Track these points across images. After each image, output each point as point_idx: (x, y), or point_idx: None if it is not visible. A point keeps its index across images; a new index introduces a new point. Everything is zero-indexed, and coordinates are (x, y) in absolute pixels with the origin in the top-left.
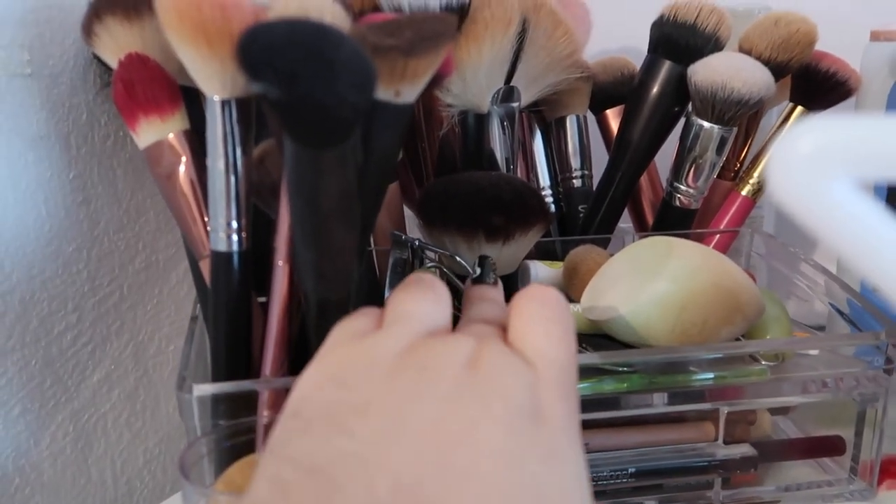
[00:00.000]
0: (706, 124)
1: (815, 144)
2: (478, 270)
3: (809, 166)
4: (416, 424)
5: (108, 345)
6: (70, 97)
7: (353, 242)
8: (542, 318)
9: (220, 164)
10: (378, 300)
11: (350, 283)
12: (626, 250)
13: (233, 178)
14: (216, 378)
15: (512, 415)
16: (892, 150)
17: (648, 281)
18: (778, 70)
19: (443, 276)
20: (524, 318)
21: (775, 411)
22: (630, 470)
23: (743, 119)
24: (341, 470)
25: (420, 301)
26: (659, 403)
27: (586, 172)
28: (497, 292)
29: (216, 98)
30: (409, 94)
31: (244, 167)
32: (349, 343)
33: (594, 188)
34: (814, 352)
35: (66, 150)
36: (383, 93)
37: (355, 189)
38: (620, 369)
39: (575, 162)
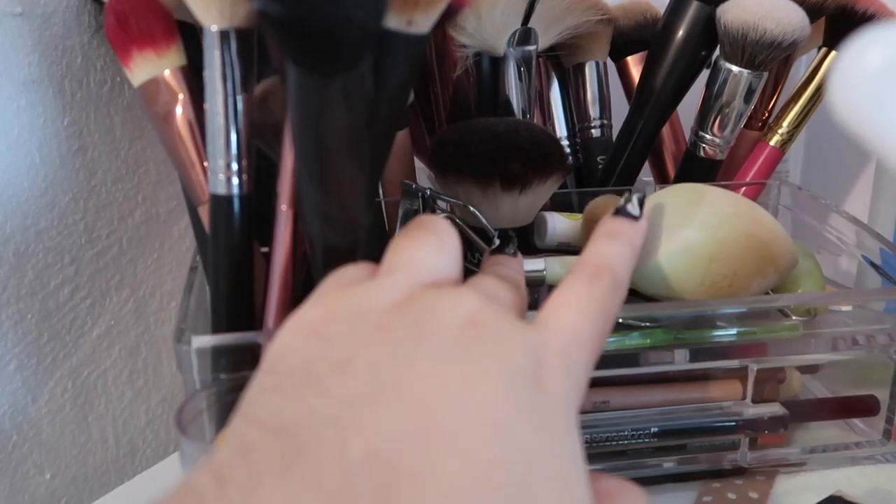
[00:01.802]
0: (735, 69)
1: (887, 56)
2: (496, 242)
3: (881, 81)
4: (400, 384)
5: (107, 299)
6: (63, 39)
7: (361, 183)
8: (583, 293)
9: (219, 101)
10: None
11: (359, 228)
12: (653, 198)
13: (232, 116)
14: (217, 330)
15: (510, 380)
16: None
17: (677, 229)
18: (812, 11)
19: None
20: (571, 286)
21: (804, 370)
22: (653, 429)
23: (774, 63)
24: (310, 431)
25: (420, 247)
26: (683, 360)
27: (605, 122)
28: (516, 262)
29: (214, 28)
30: (422, 23)
31: (245, 105)
32: (337, 293)
33: (613, 139)
34: (847, 307)
35: (59, 96)
36: (395, 21)
37: (364, 125)
38: (643, 324)
39: (594, 111)
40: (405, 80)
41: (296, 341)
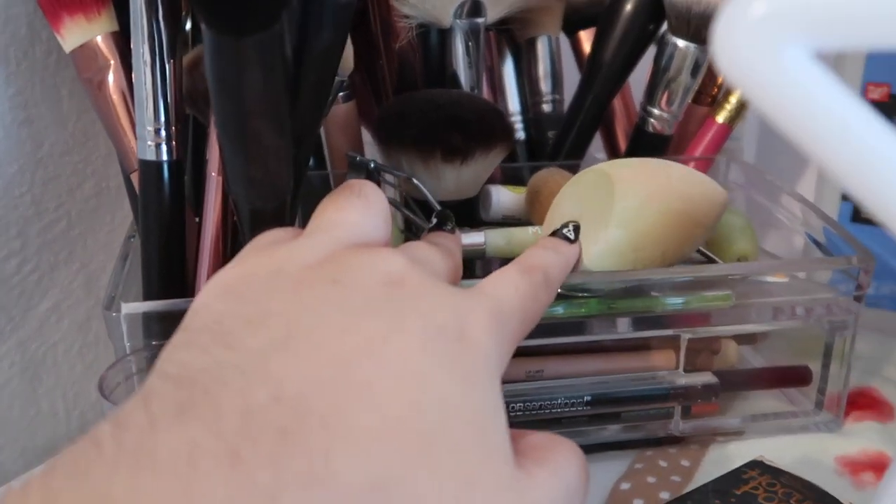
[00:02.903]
0: (681, 43)
1: (770, 5)
2: (434, 221)
3: (760, 30)
4: (314, 335)
5: (56, 273)
6: (7, 8)
7: (284, 147)
8: (517, 270)
9: (147, 67)
10: None
11: (284, 192)
12: (572, 188)
13: (160, 82)
14: (148, 297)
15: (430, 332)
16: (854, 14)
17: (596, 230)
18: None
19: (401, 208)
20: (504, 270)
21: (742, 340)
22: (586, 398)
23: None
24: (215, 378)
25: (345, 209)
26: (617, 329)
27: (557, 97)
28: (454, 238)
29: None
30: None
31: (173, 70)
32: (258, 254)
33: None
34: (783, 279)
35: (4, 65)
36: None
37: (282, 87)
38: (580, 294)
39: (545, 86)
40: (331, 47)
41: (211, 300)
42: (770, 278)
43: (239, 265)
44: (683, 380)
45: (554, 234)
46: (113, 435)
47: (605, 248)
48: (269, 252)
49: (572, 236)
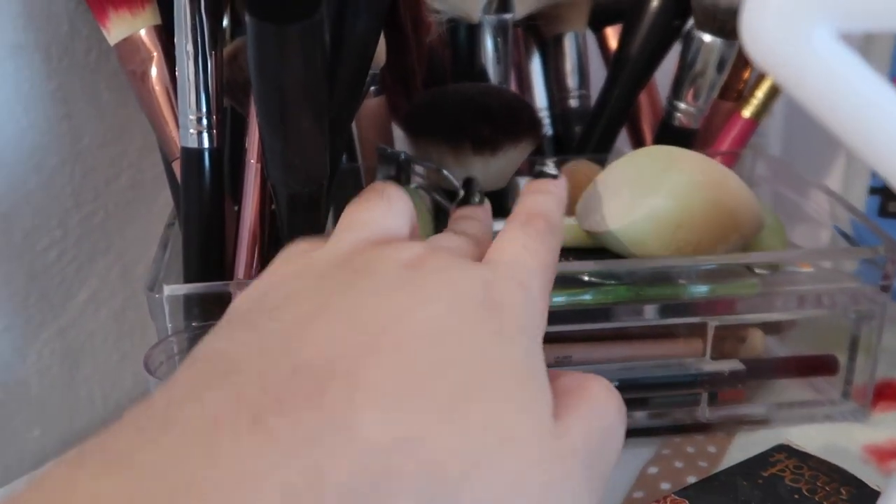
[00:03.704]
0: (707, 37)
1: None
2: (462, 192)
3: (786, 12)
4: (337, 312)
5: (94, 263)
6: (49, 5)
7: (322, 133)
8: (519, 226)
9: (189, 57)
10: None
11: (321, 177)
12: (626, 158)
13: (202, 72)
14: (188, 280)
15: (456, 300)
16: None
17: (645, 195)
18: None
19: (432, 193)
20: (508, 232)
21: (768, 330)
22: (614, 383)
23: None
24: (242, 353)
25: (369, 209)
26: (645, 317)
27: (584, 92)
28: (482, 211)
29: None
30: None
31: (215, 61)
32: (288, 261)
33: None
34: (808, 269)
35: (46, 62)
36: None
37: (322, 75)
38: (608, 282)
39: (572, 81)
40: (366, 35)
41: (240, 301)
42: (797, 268)
43: (269, 273)
44: (710, 366)
45: (536, 176)
46: (164, 403)
47: (650, 214)
48: (297, 259)
49: (553, 171)
